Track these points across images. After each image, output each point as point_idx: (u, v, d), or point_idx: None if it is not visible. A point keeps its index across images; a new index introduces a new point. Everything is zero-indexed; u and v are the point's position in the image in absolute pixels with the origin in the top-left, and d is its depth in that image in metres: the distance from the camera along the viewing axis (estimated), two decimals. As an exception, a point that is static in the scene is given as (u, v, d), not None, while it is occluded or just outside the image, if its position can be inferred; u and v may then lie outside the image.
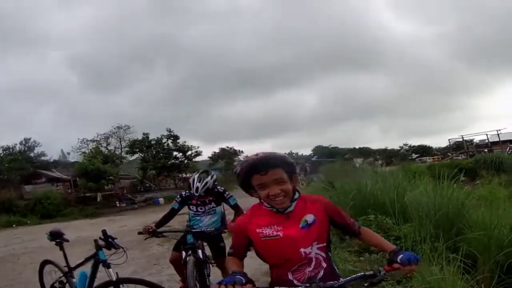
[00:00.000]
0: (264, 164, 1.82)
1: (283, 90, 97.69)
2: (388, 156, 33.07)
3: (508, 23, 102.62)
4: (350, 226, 2.03)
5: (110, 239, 3.65)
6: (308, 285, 1.81)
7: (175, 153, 38.84)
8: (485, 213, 4.64)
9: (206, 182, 4.15)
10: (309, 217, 1.89)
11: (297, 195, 1.93)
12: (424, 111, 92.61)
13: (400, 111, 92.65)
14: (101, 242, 3.66)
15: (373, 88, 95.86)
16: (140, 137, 38.27)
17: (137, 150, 38.38)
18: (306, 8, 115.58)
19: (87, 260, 3.90)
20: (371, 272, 1.80)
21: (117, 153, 39.32)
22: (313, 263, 1.90)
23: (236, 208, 4.38)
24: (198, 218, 4.39)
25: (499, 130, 36.67)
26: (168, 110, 71.48)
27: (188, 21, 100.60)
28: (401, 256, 1.77)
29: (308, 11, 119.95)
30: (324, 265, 1.92)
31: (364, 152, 52.72)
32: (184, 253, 4.08)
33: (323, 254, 1.92)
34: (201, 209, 4.38)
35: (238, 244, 2.01)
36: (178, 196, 4.45)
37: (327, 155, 50.81)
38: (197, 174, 4.31)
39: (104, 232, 3.68)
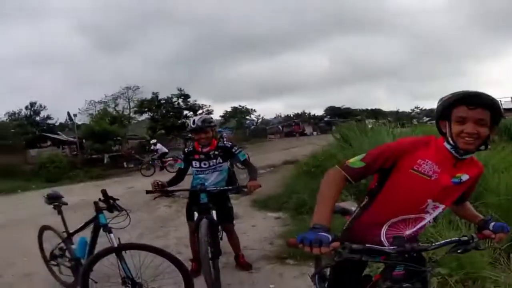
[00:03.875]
0: (477, 98, 1.61)
1: (287, 53, 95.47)
2: (400, 118, 32.10)
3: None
4: (468, 196, 1.93)
5: (111, 200, 3.21)
6: (400, 247, 1.62)
7: (185, 112, 37.55)
8: (508, 178, 4.18)
9: (202, 115, 3.83)
10: (465, 176, 1.73)
11: (483, 147, 1.68)
12: (431, 75, 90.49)
13: (408, 75, 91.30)
14: (102, 204, 3.22)
15: (381, 52, 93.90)
16: (149, 97, 37.13)
17: (146, 110, 37.03)
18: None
19: (86, 224, 3.50)
20: (466, 238, 1.71)
21: (126, 113, 38.39)
22: (418, 224, 1.78)
23: (247, 164, 4.01)
24: (202, 175, 3.85)
25: (515, 96, 35.55)
26: (175, 72, 68.40)
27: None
28: (493, 224, 1.76)
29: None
30: (422, 230, 1.82)
31: (376, 114, 51.80)
32: (196, 214, 3.65)
33: (433, 219, 1.77)
34: (204, 164, 3.83)
35: (375, 160, 1.71)
36: (182, 154, 4.04)
37: (339, 116, 50.31)
38: None
39: (104, 192, 3.22)
